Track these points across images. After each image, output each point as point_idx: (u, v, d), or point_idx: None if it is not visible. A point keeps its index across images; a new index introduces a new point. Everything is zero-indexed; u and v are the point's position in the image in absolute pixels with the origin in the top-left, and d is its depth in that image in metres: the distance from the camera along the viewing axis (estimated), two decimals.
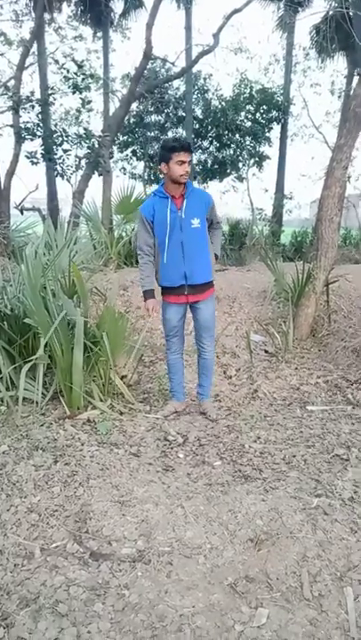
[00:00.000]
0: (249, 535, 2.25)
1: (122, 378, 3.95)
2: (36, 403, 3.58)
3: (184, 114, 14.62)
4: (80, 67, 9.52)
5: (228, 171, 15.46)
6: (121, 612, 1.83)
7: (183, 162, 3.14)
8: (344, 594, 1.91)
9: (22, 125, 9.55)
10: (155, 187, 15.75)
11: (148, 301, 3.47)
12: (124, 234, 8.39)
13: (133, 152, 15.53)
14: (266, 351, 5.05)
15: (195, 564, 2.08)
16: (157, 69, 14.47)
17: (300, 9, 13.83)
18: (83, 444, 3.10)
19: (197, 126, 14.97)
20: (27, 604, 1.86)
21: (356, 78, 14.17)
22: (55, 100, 10.25)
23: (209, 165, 15.38)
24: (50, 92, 10.13)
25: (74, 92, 9.60)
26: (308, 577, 1.99)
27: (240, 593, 1.92)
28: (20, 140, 9.52)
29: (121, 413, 3.63)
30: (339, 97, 16.20)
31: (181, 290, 3.39)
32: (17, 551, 2.13)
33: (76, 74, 9.46)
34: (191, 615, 1.81)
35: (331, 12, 11.16)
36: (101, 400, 3.68)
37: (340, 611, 1.84)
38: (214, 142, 15.25)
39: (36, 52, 12.79)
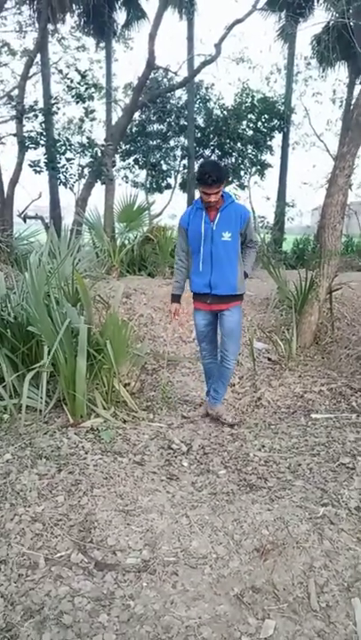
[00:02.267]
0: (255, 545, 2.22)
1: (125, 386, 3.94)
2: (40, 411, 3.57)
3: (186, 123, 14.72)
4: (83, 76, 9.61)
5: (230, 179, 15.53)
6: (126, 624, 1.81)
7: (207, 194, 3.25)
8: (352, 605, 1.89)
9: (26, 134, 9.62)
10: (157, 195, 15.65)
11: (171, 305, 3.72)
12: (126, 242, 8.41)
13: (136, 161, 15.61)
14: (269, 359, 5.04)
15: (200, 575, 2.06)
16: (160, 79, 14.59)
17: (301, 19, 13.93)
18: (86, 453, 3.08)
19: (199, 135, 15.07)
20: (31, 614, 1.84)
21: (358, 87, 14.26)
22: (58, 109, 10.36)
23: None
24: (53, 101, 10.24)
25: (77, 102, 9.68)
26: (316, 587, 1.97)
27: (247, 604, 1.90)
28: (23, 148, 9.59)
29: (124, 421, 3.62)
30: (340, 106, 16.26)
31: (205, 297, 3.51)
32: (21, 561, 2.12)
33: (79, 83, 9.55)
34: (197, 626, 1.79)
35: (332, 23, 11.24)
36: (105, 408, 3.67)
37: (348, 622, 1.82)
38: (216, 151, 15.34)
39: (40, 62, 12.90)
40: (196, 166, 15.41)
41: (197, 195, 3.63)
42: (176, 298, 3.70)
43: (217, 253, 3.39)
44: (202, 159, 15.29)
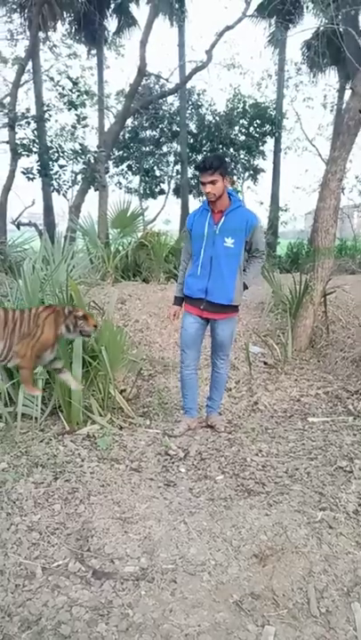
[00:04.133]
0: (253, 551, 2.21)
1: (121, 392, 3.93)
2: (35, 418, 3.54)
3: (178, 129, 14.80)
4: (75, 84, 9.65)
5: None
6: (125, 633, 1.79)
7: (203, 183, 3.16)
8: (352, 609, 1.88)
9: (18, 142, 9.64)
10: (151, 201, 15.64)
11: (171, 307, 3.61)
12: (120, 248, 8.41)
13: (129, 167, 15.67)
14: (265, 363, 5.04)
15: (199, 582, 2.04)
16: (151, 85, 14.69)
17: (291, 25, 14.05)
18: (83, 460, 3.06)
19: (192, 141, 15.15)
20: (28, 625, 1.82)
21: (348, 92, 14.36)
22: (51, 116, 10.40)
23: None
24: (45, 108, 10.26)
25: (69, 109, 9.72)
26: (315, 593, 1.96)
27: (246, 610, 1.89)
28: (16, 156, 9.60)
29: (121, 428, 3.60)
30: (331, 110, 16.45)
31: (199, 302, 3.34)
32: (18, 571, 2.09)
33: (71, 91, 9.59)
34: (197, 634, 1.77)
35: (321, 28, 11.34)
36: (101, 415, 3.65)
37: (349, 627, 1.81)
38: None
39: (32, 70, 12.94)
40: (190, 172, 15.56)
41: (191, 199, 3.60)
42: (178, 300, 3.54)
43: (217, 259, 3.22)
44: (193, 164, 15.35)
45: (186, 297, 3.45)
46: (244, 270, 3.35)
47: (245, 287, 3.38)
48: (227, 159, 15.06)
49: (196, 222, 3.34)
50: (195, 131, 15.30)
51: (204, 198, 3.34)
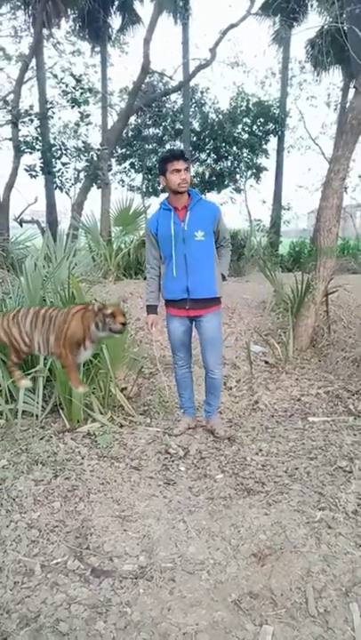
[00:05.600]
0: (252, 550, 2.21)
1: (122, 390, 3.93)
2: (36, 416, 3.56)
3: (182, 127, 14.77)
4: (78, 81, 9.63)
5: (226, 182, 15.60)
6: (123, 631, 1.79)
7: (178, 170, 3.10)
8: (350, 610, 1.88)
9: (21, 139, 9.63)
10: (153, 199, 15.58)
11: (148, 316, 3.51)
12: (122, 246, 8.40)
13: (132, 165, 15.65)
14: (266, 362, 5.03)
15: (198, 581, 2.04)
16: (155, 83, 14.65)
17: (295, 24, 14.00)
18: (83, 458, 3.07)
19: (195, 139, 15.11)
20: (27, 623, 1.82)
21: (351, 90, 14.31)
22: (54, 113, 10.36)
23: (207, 177, 15.50)
24: (49, 105, 10.23)
25: (72, 106, 9.70)
26: (313, 592, 1.96)
27: (244, 610, 1.89)
28: (18, 153, 9.59)
29: (121, 426, 3.60)
30: (335, 109, 16.39)
31: (183, 303, 3.29)
32: (17, 568, 2.10)
33: (74, 88, 9.56)
34: (195, 633, 1.78)
35: (326, 27, 11.30)
36: (101, 413, 3.65)
37: (347, 627, 1.81)
38: (212, 155, 15.38)
39: (35, 67, 12.92)
40: (193, 170, 15.53)
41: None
42: (152, 309, 3.47)
43: (191, 255, 3.19)
44: (197, 162, 15.34)
45: (168, 301, 3.39)
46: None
47: (224, 278, 3.38)
48: (230, 158, 15.16)
49: (161, 225, 3.26)
50: (198, 129, 15.26)
51: (162, 199, 3.33)
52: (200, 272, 3.23)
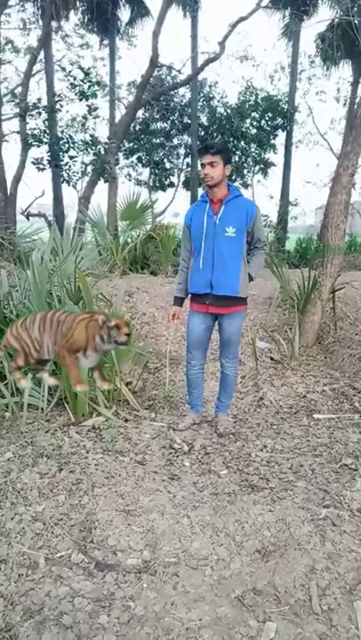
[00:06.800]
0: (256, 546, 2.21)
1: (127, 384, 3.93)
2: (41, 409, 3.56)
3: (189, 121, 14.70)
4: (87, 74, 9.60)
5: (234, 177, 15.51)
6: (126, 625, 1.80)
7: (203, 164, 3.10)
8: (354, 608, 1.87)
9: (29, 132, 9.62)
10: (160, 193, 15.52)
11: (171, 307, 3.53)
12: (129, 240, 8.40)
13: (139, 159, 15.60)
14: (271, 358, 5.02)
15: (201, 576, 2.04)
16: (163, 77, 14.58)
17: (305, 17, 13.88)
18: (88, 452, 3.07)
19: (203, 133, 15.04)
20: (31, 615, 1.83)
21: None
22: (62, 106, 10.33)
23: None
24: (56, 99, 10.21)
25: (80, 99, 9.68)
26: (317, 590, 1.95)
27: (248, 606, 1.89)
28: (26, 146, 9.58)
29: (126, 420, 3.61)
30: (344, 104, 16.21)
31: (205, 298, 3.26)
32: (21, 561, 2.11)
33: (82, 81, 9.54)
34: (198, 629, 1.78)
35: (336, 20, 11.19)
36: (106, 407, 3.66)
37: (351, 625, 1.80)
38: None
39: (44, 60, 12.90)
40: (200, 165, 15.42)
41: (201, 193, 3.53)
42: (178, 301, 3.48)
43: (219, 251, 3.15)
44: None
45: (192, 295, 3.38)
46: (247, 262, 3.29)
47: (251, 279, 3.32)
48: (237, 152, 15.06)
49: (195, 216, 3.27)
50: (206, 123, 15.19)
51: (203, 190, 3.31)
52: (225, 268, 3.18)
